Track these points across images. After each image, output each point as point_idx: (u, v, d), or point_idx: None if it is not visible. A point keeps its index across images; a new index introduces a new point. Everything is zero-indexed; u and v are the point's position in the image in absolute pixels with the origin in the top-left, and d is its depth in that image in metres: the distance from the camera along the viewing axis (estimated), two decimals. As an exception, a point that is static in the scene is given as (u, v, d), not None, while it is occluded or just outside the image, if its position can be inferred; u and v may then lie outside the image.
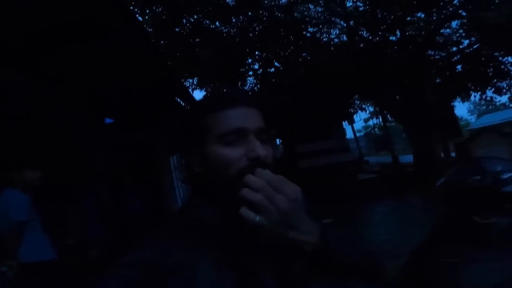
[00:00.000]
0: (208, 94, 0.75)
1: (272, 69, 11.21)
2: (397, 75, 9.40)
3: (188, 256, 0.54)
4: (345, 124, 13.82)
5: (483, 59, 9.93)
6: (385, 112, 12.91)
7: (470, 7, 7.68)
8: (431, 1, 8.58)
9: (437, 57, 10.68)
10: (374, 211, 7.21)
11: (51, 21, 2.77)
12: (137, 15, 8.24)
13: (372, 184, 9.94)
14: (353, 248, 0.65)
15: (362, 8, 9.57)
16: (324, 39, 10.98)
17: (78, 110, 4.23)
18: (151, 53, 3.96)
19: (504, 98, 12.77)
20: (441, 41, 10.29)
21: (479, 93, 11.80)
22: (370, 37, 10.33)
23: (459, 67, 10.70)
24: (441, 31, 10.04)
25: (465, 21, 8.56)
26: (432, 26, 9.54)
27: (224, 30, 10.16)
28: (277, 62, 10.96)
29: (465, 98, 12.45)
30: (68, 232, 3.97)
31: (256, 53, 10.63)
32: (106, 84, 4.04)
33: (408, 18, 9.74)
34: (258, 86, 11.57)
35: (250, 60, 11.14)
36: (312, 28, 10.36)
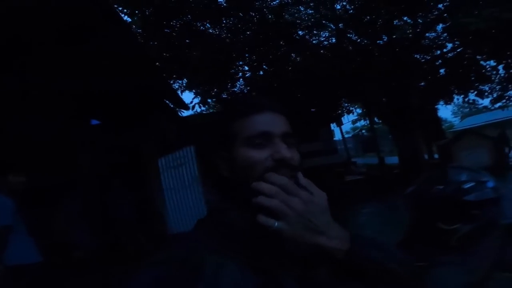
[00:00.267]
0: (235, 101, 0.77)
1: (261, 72, 11.25)
2: (384, 77, 9.58)
3: (213, 258, 0.55)
4: (333, 126, 13.99)
5: (465, 62, 10.19)
6: (372, 114, 13.13)
7: (452, 12, 7.87)
8: (417, 5, 8.77)
9: (422, 60, 10.92)
10: (361, 212, 7.31)
11: (38, 23, 2.74)
12: (126, 16, 8.15)
13: (359, 185, 10.09)
14: (385, 253, 0.64)
15: (351, 11, 9.71)
16: (313, 41, 11.09)
17: (63, 112, 4.18)
18: (139, 54, 3.95)
19: (486, 101, 13.13)
20: (426, 44, 10.54)
21: (462, 96, 12.14)
22: (359, 40, 10.49)
23: (442, 70, 10.96)
24: (426, 34, 10.27)
25: (448, 24, 8.78)
26: (418, 30, 9.76)
27: (214, 32, 10.14)
28: (266, 65, 11.01)
29: (448, 100, 12.76)
30: (54, 233, 3.94)
31: (246, 55, 10.65)
32: (92, 86, 4.00)
33: (395, 22, 9.94)
34: (248, 88, 11.60)
35: (240, 62, 11.15)
36: (301, 31, 10.44)
